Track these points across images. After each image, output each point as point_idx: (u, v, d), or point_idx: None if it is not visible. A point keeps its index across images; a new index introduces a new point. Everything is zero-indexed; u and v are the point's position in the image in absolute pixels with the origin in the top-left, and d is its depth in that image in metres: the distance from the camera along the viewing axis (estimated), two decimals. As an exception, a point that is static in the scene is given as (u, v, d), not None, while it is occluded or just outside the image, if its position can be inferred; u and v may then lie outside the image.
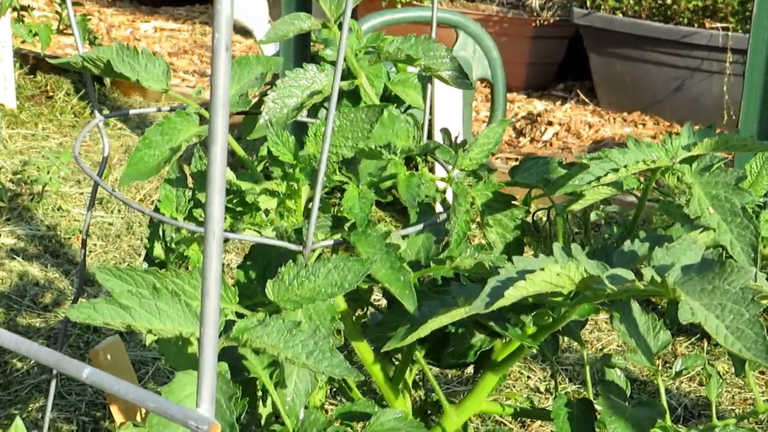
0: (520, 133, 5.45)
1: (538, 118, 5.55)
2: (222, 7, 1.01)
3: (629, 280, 1.37)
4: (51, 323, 3.01)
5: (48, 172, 3.88)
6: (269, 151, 1.61)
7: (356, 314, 1.90)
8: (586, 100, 5.96)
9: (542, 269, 1.38)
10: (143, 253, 1.79)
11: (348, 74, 2.02)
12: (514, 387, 2.75)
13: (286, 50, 3.05)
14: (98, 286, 3.17)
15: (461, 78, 1.87)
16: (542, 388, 2.76)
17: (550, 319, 1.65)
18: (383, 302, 2.14)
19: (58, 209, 3.84)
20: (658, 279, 1.32)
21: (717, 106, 5.36)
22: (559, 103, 5.98)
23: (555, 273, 1.38)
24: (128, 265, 3.44)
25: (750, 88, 3.03)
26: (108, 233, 3.65)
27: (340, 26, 1.90)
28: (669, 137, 1.54)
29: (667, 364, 2.90)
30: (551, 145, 5.28)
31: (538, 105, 5.95)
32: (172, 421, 1.18)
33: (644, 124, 5.60)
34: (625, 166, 1.51)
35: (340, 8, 1.89)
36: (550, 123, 5.50)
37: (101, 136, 1.86)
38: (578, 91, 6.11)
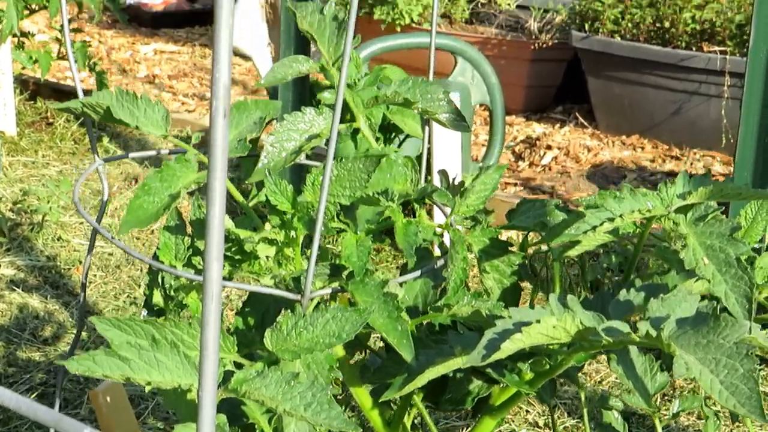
0: (519, 157, 5.46)
1: (537, 142, 5.57)
2: (220, 74, 1.02)
3: (625, 333, 1.38)
4: (51, 356, 3.02)
5: (48, 202, 3.90)
6: (267, 199, 1.62)
7: (354, 359, 1.91)
8: (585, 123, 5.98)
9: (538, 321, 1.39)
10: (142, 291, 1.80)
11: (346, 112, 2.03)
12: (513, 422, 2.76)
13: (284, 83, 3.07)
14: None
15: (458, 121, 1.89)
16: (541, 423, 2.76)
17: (548, 366, 1.66)
18: (381, 342, 2.15)
19: (58, 239, 3.85)
20: (654, 333, 1.33)
21: (715, 129, 5.38)
22: (557, 126, 6.00)
23: (551, 325, 1.39)
24: (127, 296, 3.45)
25: (747, 113, 3.04)
26: (108, 264, 3.66)
27: (338, 67, 1.91)
28: (665, 185, 1.55)
29: (666, 397, 2.91)
30: (550, 169, 5.29)
31: (536, 128, 5.96)
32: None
33: (643, 147, 5.61)
34: (620, 216, 1.52)
35: (339, 50, 1.91)
36: (549, 147, 5.52)
37: (101, 181, 1.87)
38: (577, 113, 6.13)
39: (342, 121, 2.02)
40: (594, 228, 1.54)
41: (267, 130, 4.70)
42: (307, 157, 2.09)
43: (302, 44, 3.50)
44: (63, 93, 5.50)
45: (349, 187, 1.62)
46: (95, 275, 3.57)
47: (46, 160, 4.73)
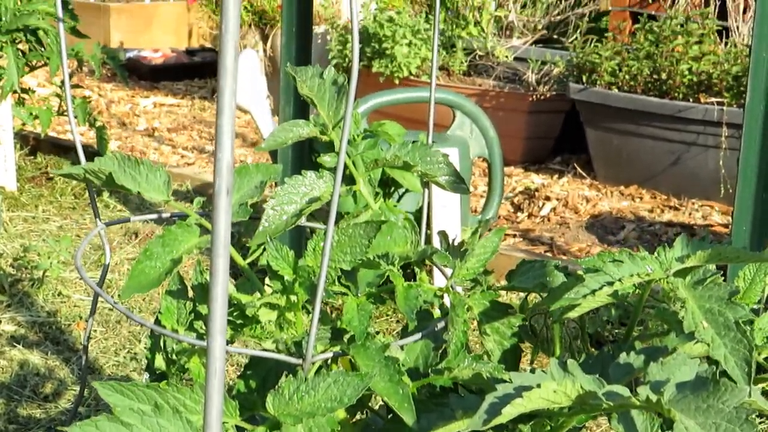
0: (518, 208, 5.48)
1: (536, 193, 5.59)
2: (223, 154, 1.04)
3: (625, 397, 1.39)
4: (51, 414, 3.02)
5: (48, 258, 3.91)
6: (269, 265, 1.64)
7: (356, 418, 1.92)
8: (583, 173, 6.00)
9: (539, 386, 1.40)
10: (143, 339, 1.81)
11: (345, 174, 2.05)
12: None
13: (283, 150, 3.09)
14: (99, 377, 3.18)
15: (457, 183, 1.90)
16: (542, 478, 2.76)
17: (548, 427, 1.66)
18: (382, 401, 2.15)
19: (58, 294, 3.86)
20: (654, 398, 1.34)
21: (713, 179, 5.40)
22: (556, 176, 6.02)
23: (552, 390, 1.39)
24: (128, 351, 3.45)
25: (745, 167, 3.06)
26: (108, 319, 3.67)
27: (338, 130, 1.93)
28: (663, 249, 1.57)
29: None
30: (549, 220, 5.31)
31: (535, 179, 5.99)
32: None
33: (641, 198, 5.63)
34: (619, 280, 1.54)
35: (338, 114, 1.92)
36: (547, 198, 5.54)
37: (103, 245, 1.88)
38: (575, 164, 6.15)
39: (342, 183, 2.04)
40: (593, 292, 1.55)
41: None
42: (308, 215, 2.11)
43: (302, 100, 3.53)
44: (63, 148, 5.52)
45: (350, 253, 1.63)
46: (95, 331, 3.58)
47: (47, 215, 4.75)
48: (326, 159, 2.00)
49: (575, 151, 6.33)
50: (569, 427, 1.63)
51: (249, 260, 1.77)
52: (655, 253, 1.57)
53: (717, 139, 5.39)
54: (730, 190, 5.23)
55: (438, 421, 1.55)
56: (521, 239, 5.01)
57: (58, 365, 3.33)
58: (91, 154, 5.21)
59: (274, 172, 1.85)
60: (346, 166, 2.02)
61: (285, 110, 3.81)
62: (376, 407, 1.97)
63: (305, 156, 3.66)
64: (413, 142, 1.98)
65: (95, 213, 1.89)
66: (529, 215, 5.38)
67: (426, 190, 2.03)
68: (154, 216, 1.98)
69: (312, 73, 1.92)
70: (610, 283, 1.54)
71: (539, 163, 6.30)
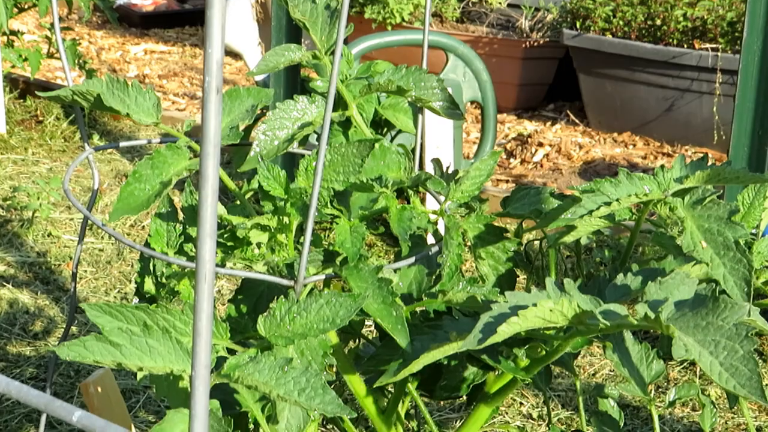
0: (510, 154, 5.45)
1: (529, 140, 5.55)
2: (213, 50, 1.00)
3: (623, 316, 1.36)
4: (41, 351, 3.00)
5: (38, 199, 3.87)
6: (260, 186, 1.61)
7: (348, 346, 1.90)
8: (577, 120, 5.97)
9: (535, 305, 1.37)
10: (133, 279, 1.78)
11: (339, 102, 2.01)
12: (507, 413, 2.75)
13: (276, 78, 3.06)
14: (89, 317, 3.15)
15: (452, 109, 1.87)
16: (535, 415, 2.75)
17: (543, 352, 1.64)
18: (375, 332, 2.13)
19: (48, 236, 3.83)
20: (652, 315, 1.31)
21: (707, 126, 5.37)
22: (549, 123, 5.99)
23: (548, 309, 1.37)
24: (118, 291, 3.43)
25: (741, 112, 3.03)
26: (98, 259, 3.64)
27: (331, 56, 1.90)
28: (661, 170, 1.54)
29: (660, 389, 2.90)
30: (542, 166, 5.28)
31: (528, 126, 5.95)
32: (164, 466, 1.17)
33: (634, 145, 5.61)
34: (617, 200, 1.51)
35: (331, 39, 1.89)
36: (540, 144, 5.51)
37: (91, 169, 1.85)
38: (568, 111, 6.12)
39: (334, 111, 2.01)
40: (590, 212, 1.53)
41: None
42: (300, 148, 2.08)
43: (294, 40, 3.49)
44: (53, 90, 5.47)
45: (342, 172, 1.60)
46: (85, 271, 3.55)
47: (36, 157, 4.71)
48: (318, 84, 1.97)
49: (569, 98, 6.30)
50: (564, 352, 1.61)
51: (244, 192, 1.74)
52: (653, 174, 1.54)
53: (711, 86, 5.36)
54: (724, 137, 5.20)
55: (431, 343, 1.52)
56: (514, 184, 4.99)
57: (48, 304, 3.30)
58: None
59: (265, 96, 1.81)
60: (338, 95, 1.99)
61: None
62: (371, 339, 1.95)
63: (297, 91, 3.62)
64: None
65: (83, 137, 1.86)
66: (522, 161, 5.35)
67: (419, 126, 1.99)
68: (144, 141, 1.95)
69: (304, -4, 1.89)
70: (608, 204, 1.52)
71: (532, 110, 6.27)
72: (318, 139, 1.47)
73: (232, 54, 7.17)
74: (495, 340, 1.37)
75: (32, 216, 3.87)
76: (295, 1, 1.90)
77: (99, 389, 2.03)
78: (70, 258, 3.64)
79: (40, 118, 5.17)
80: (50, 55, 5.13)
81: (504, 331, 1.36)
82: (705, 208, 1.48)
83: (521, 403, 2.81)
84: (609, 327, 1.39)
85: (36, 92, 5.23)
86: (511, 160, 5.37)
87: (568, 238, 1.68)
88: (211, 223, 1.03)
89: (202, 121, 1.02)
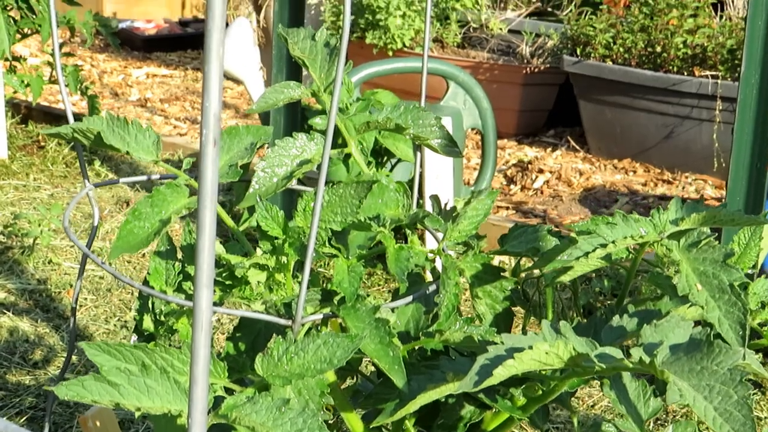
0: (511, 180, 5.46)
1: (529, 166, 5.57)
2: (210, 104, 1.02)
3: (618, 359, 1.37)
4: (41, 380, 3.00)
5: (39, 225, 3.89)
6: (258, 225, 1.62)
7: (346, 383, 1.90)
8: (577, 146, 5.99)
9: (531, 347, 1.38)
10: (132, 317, 1.80)
11: (338, 137, 2.02)
12: (505, 446, 2.75)
13: (275, 111, 3.07)
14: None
15: (450, 146, 1.88)
16: (533, 447, 2.75)
17: (540, 391, 1.65)
18: (372, 367, 2.14)
19: (48, 262, 3.84)
20: (647, 360, 1.32)
21: (707, 153, 5.38)
22: (549, 149, 6.00)
23: (543, 351, 1.38)
24: (118, 319, 3.43)
25: (739, 139, 3.04)
26: (99, 287, 3.65)
27: (329, 94, 1.91)
28: (657, 212, 1.55)
29: (659, 421, 2.90)
30: (542, 192, 5.29)
31: (528, 152, 5.97)
32: None
33: (635, 171, 5.62)
34: (613, 242, 1.52)
35: (330, 76, 1.90)
36: (541, 170, 5.52)
37: (92, 206, 1.86)
38: (569, 137, 6.13)
39: (334, 147, 2.02)
40: (586, 254, 1.54)
41: (259, 154, 4.69)
42: (299, 181, 2.09)
43: (294, 68, 3.50)
44: (55, 116, 5.50)
45: (340, 213, 1.61)
46: (86, 299, 3.56)
47: (38, 183, 4.72)
48: (317, 121, 1.98)
49: (569, 124, 6.31)
50: (561, 392, 1.62)
51: (241, 227, 1.75)
52: (650, 216, 1.55)
53: (711, 113, 5.38)
54: (724, 164, 5.22)
55: (428, 383, 1.53)
56: (514, 211, 5.00)
57: (48, 332, 3.31)
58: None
59: (264, 133, 1.83)
60: (337, 129, 2.00)
61: (277, 78, 3.78)
62: (368, 374, 1.95)
63: (297, 123, 3.64)
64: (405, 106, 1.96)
65: (84, 174, 1.87)
66: (522, 188, 5.37)
67: (418, 155, 2.01)
68: (144, 178, 1.96)
69: (304, 34, 1.90)
70: (604, 246, 1.53)
71: (533, 136, 6.28)
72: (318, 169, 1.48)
73: (233, 79, 7.20)
74: (491, 382, 1.38)
75: (33, 243, 3.88)
76: (294, 39, 1.91)
77: (98, 423, 2.04)
78: (71, 285, 3.65)
79: (42, 144, 5.19)
80: (52, 81, 5.15)
81: (500, 374, 1.37)
82: (700, 251, 1.49)
83: (520, 435, 2.81)
84: (605, 370, 1.40)
85: (38, 119, 5.22)
86: (512, 186, 5.38)
87: (565, 278, 1.69)
88: (208, 273, 1.04)
89: (199, 173, 1.04)
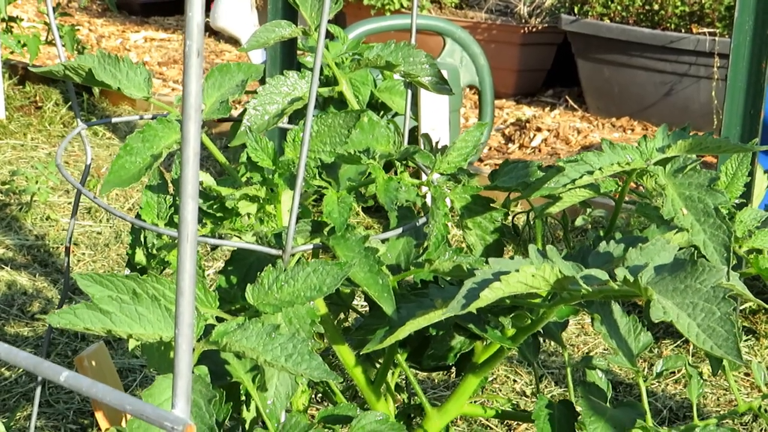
0: (509, 139, 5.47)
1: (527, 125, 5.57)
2: (193, 13, 1.02)
3: (603, 281, 1.38)
4: (39, 332, 3.02)
5: (36, 182, 3.90)
6: (248, 157, 1.63)
7: (338, 318, 1.92)
8: (575, 106, 5.99)
9: (517, 270, 1.39)
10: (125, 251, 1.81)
11: (331, 79, 2.03)
12: (500, 391, 2.77)
13: (272, 59, 3.07)
14: (85, 294, 3.18)
15: (441, 84, 1.89)
16: (528, 392, 2.77)
17: (529, 321, 1.66)
18: (367, 308, 2.15)
19: (46, 219, 3.85)
20: (631, 279, 1.33)
21: (705, 110, 5.38)
22: (548, 109, 6.00)
23: (530, 274, 1.39)
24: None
25: (732, 92, 3.04)
26: (96, 242, 3.66)
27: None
28: (644, 139, 1.56)
29: (653, 368, 2.91)
30: (540, 151, 5.30)
31: (526, 111, 5.97)
32: (149, 423, 1.19)
33: (633, 130, 5.62)
34: (600, 169, 1.53)
35: (321, 15, 1.91)
36: (538, 129, 5.52)
37: (84, 145, 1.87)
38: (567, 97, 6.13)
39: (326, 85, 2.03)
40: (573, 181, 1.54)
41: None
42: (290, 120, 2.10)
43: (289, 13, 3.49)
44: (52, 78, 5.49)
45: (329, 143, 1.62)
46: (83, 254, 3.58)
47: (35, 143, 4.73)
48: (308, 59, 1.99)
49: (567, 84, 6.31)
50: (549, 320, 1.63)
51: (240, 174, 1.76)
52: (636, 144, 1.56)
53: (709, 70, 5.37)
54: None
55: (417, 310, 1.54)
56: (512, 169, 5.00)
57: (46, 286, 3.33)
58: (80, 84, 5.19)
59: (255, 71, 1.83)
60: (328, 67, 2.00)
61: (273, 45, 3.78)
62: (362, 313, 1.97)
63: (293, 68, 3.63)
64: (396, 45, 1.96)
65: (76, 113, 1.88)
66: (520, 146, 5.37)
67: (410, 92, 2.01)
68: (136, 117, 1.97)
69: (295, -26, 1.91)
70: (590, 172, 1.53)
71: (531, 96, 6.28)
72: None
73: (231, 41, 7.20)
74: (478, 305, 1.39)
75: (31, 200, 3.89)
76: (285, -22, 1.92)
77: (93, 363, 2.06)
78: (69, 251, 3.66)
79: (39, 104, 5.20)
80: (50, 42, 5.15)
81: (487, 296, 1.38)
82: (686, 176, 1.50)
83: (515, 381, 2.83)
84: (591, 293, 1.40)
85: (36, 80, 5.22)
86: (510, 145, 5.39)
87: (554, 209, 1.71)
88: (193, 184, 1.05)
89: (183, 85, 1.04)
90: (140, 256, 1.74)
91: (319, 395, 2.31)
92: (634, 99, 5.71)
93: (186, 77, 1.04)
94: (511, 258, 1.65)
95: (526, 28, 6.14)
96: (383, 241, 1.72)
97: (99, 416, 2.01)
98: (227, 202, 1.61)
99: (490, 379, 2.81)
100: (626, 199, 1.73)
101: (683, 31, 5.48)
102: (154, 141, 1.70)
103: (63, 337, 2.99)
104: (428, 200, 1.81)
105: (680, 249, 1.44)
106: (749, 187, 2.53)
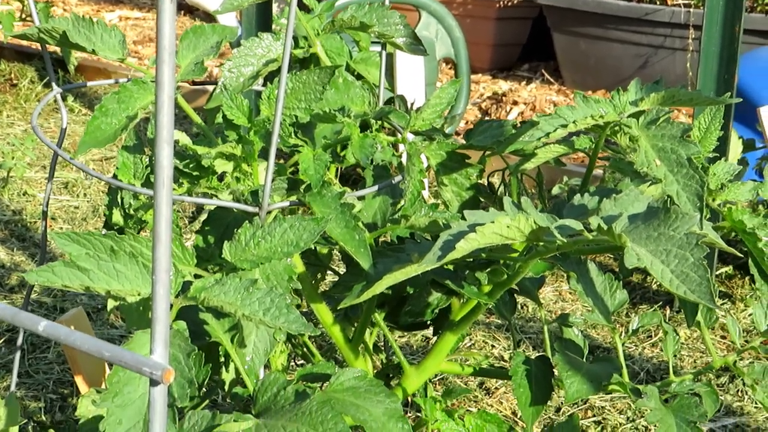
0: (485, 113, 5.48)
1: (503, 98, 5.58)
2: (165, -43, 1.03)
3: (577, 231, 1.39)
4: (17, 304, 3.02)
5: (13, 158, 3.89)
6: (224, 116, 1.63)
7: (316, 278, 1.92)
8: (551, 79, 5.99)
9: (492, 222, 1.40)
10: (101, 212, 1.82)
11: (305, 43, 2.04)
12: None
13: (248, 23, 3.07)
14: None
15: (415, 44, 1.90)
16: (506, 356, 2.79)
17: (505, 276, 1.67)
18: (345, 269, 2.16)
19: (23, 194, 3.84)
20: (605, 227, 1.35)
21: (681, 82, 5.40)
22: (524, 83, 6.01)
23: (505, 225, 1.40)
24: (95, 247, 3.44)
25: (706, 57, 3.05)
26: (74, 216, 3.66)
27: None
28: (617, 92, 1.57)
29: (629, 325, 2.93)
30: (516, 124, 5.31)
31: (503, 85, 5.98)
32: (128, 369, 1.20)
33: (609, 102, 5.63)
34: (574, 122, 1.54)
35: (295, -22, 1.91)
36: (515, 102, 5.53)
37: (60, 108, 1.88)
38: (543, 71, 6.14)
39: (301, 48, 2.03)
40: (547, 134, 1.56)
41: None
42: (264, 83, 2.10)
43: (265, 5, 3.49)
44: (27, 55, 5.47)
45: (304, 100, 1.63)
46: (61, 228, 3.57)
47: (11, 120, 4.72)
48: (283, 21, 1.99)
49: (543, 58, 6.31)
50: (525, 275, 1.64)
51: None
52: (610, 97, 1.57)
53: (684, 42, 5.39)
54: (697, 92, 5.23)
55: (394, 264, 1.55)
56: (488, 141, 5.01)
57: (24, 260, 3.32)
58: (56, 60, 5.17)
59: (230, 32, 1.83)
60: (304, 39, 2.01)
61: (248, 10, 3.78)
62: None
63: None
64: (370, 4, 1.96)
65: (51, 77, 1.88)
66: (497, 119, 5.37)
67: (384, 53, 2.02)
68: (111, 81, 1.97)
69: (268, -66, 1.91)
70: (564, 126, 1.55)
71: (507, 70, 6.29)
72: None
73: (208, 18, 7.17)
74: (454, 256, 1.40)
75: (7, 175, 3.89)
76: (259, -58, 1.92)
77: (72, 327, 2.06)
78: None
79: (15, 82, 5.18)
80: (23, 19, 5.13)
81: (462, 248, 1.39)
82: (659, 128, 1.51)
83: (493, 346, 2.84)
84: (566, 244, 1.42)
85: (10, 57, 5.18)
86: (486, 118, 5.40)
87: (529, 165, 1.72)
88: (168, 129, 1.05)
89: (157, 30, 1.05)
90: (117, 217, 1.75)
91: (299, 359, 2.32)
92: (610, 72, 5.71)
93: (159, 21, 1.05)
94: (484, 208, 1.66)
95: (501, 2, 6.14)
96: (360, 199, 1.73)
97: (78, 380, 2.02)
98: (203, 160, 1.62)
99: (468, 344, 2.83)
100: (600, 156, 1.75)
101: (658, 3, 5.49)
102: (129, 102, 1.70)
103: (42, 309, 2.99)
104: (404, 160, 1.81)
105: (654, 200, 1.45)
106: (723, 148, 2.55)
